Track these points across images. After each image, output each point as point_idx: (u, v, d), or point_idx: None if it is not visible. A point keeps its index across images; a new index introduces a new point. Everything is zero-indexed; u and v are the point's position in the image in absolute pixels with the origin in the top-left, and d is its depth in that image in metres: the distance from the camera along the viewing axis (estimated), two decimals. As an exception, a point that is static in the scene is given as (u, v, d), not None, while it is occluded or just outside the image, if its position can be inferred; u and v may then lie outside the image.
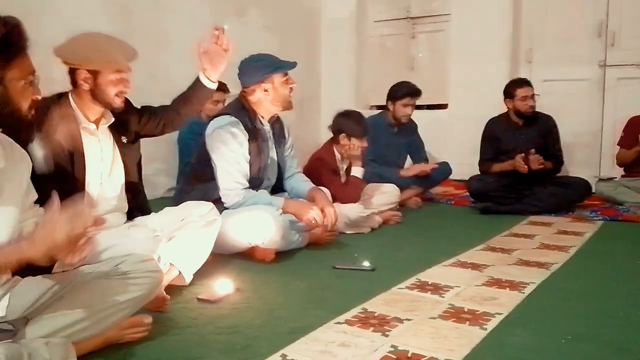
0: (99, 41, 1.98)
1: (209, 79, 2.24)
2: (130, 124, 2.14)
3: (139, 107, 2.21)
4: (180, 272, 2.06)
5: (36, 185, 1.50)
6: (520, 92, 3.83)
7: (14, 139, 1.40)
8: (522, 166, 3.69)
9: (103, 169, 2.01)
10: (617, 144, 4.12)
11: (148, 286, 1.58)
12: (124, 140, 2.09)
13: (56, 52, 1.90)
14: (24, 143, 1.45)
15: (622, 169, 4.11)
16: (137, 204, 2.15)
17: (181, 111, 2.27)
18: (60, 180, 1.83)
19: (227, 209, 2.57)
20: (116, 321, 1.52)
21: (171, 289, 2.01)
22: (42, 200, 1.49)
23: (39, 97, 1.34)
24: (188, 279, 2.10)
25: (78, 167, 1.93)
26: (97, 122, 2.01)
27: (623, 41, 4.77)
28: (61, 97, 1.97)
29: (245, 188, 2.60)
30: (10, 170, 1.35)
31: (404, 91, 3.99)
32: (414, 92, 4.01)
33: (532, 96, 3.84)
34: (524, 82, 3.89)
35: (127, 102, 2.08)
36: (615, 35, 4.79)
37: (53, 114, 1.89)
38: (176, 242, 2.05)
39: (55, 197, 1.21)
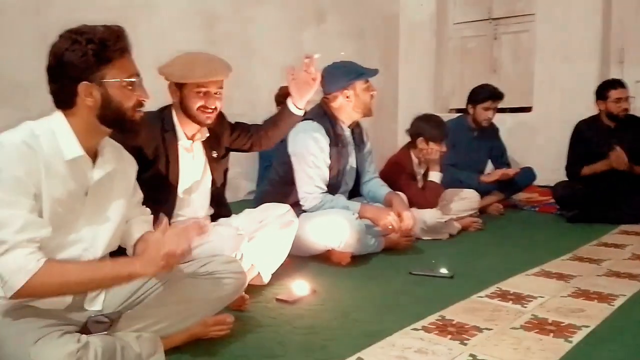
0: (194, 59, 2.03)
1: (295, 105, 2.29)
2: (222, 139, 2.22)
3: (232, 122, 2.29)
4: (259, 272, 2.13)
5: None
6: (614, 93, 3.63)
7: (121, 137, 1.49)
8: (622, 160, 3.48)
9: (194, 181, 2.11)
10: None
11: (232, 287, 1.64)
12: (214, 155, 2.18)
13: (158, 69, 2.00)
14: (130, 142, 1.55)
15: None
16: (220, 210, 2.24)
17: (269, 134, 2.35)
18: (156, 189, 1.95)
19: (305, 212, 2.62)
20: (201, 318, 1.59)
21: (250, 288, 2.07)
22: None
23: (146, 99, 1.39)
24: (266, 278, 2.16)
25: (172, 180, 2.04)
26: (192, 137, 2.09)
27: None
28: (164, 110, 2.08)
29: (324, 192, 2.64)
30: (120, 172, 1.47)
31: (485, 94, 3.89)
32: (496, 95, 3.90)
33: (627, 98, 3.64)
34: (618, 84, 3.69)
35: (221, 117, 2.17)
36: None
37: (157, 127, 2.01)
38: (255, 243, 2.12)
39: (163, 219, 1.34)
